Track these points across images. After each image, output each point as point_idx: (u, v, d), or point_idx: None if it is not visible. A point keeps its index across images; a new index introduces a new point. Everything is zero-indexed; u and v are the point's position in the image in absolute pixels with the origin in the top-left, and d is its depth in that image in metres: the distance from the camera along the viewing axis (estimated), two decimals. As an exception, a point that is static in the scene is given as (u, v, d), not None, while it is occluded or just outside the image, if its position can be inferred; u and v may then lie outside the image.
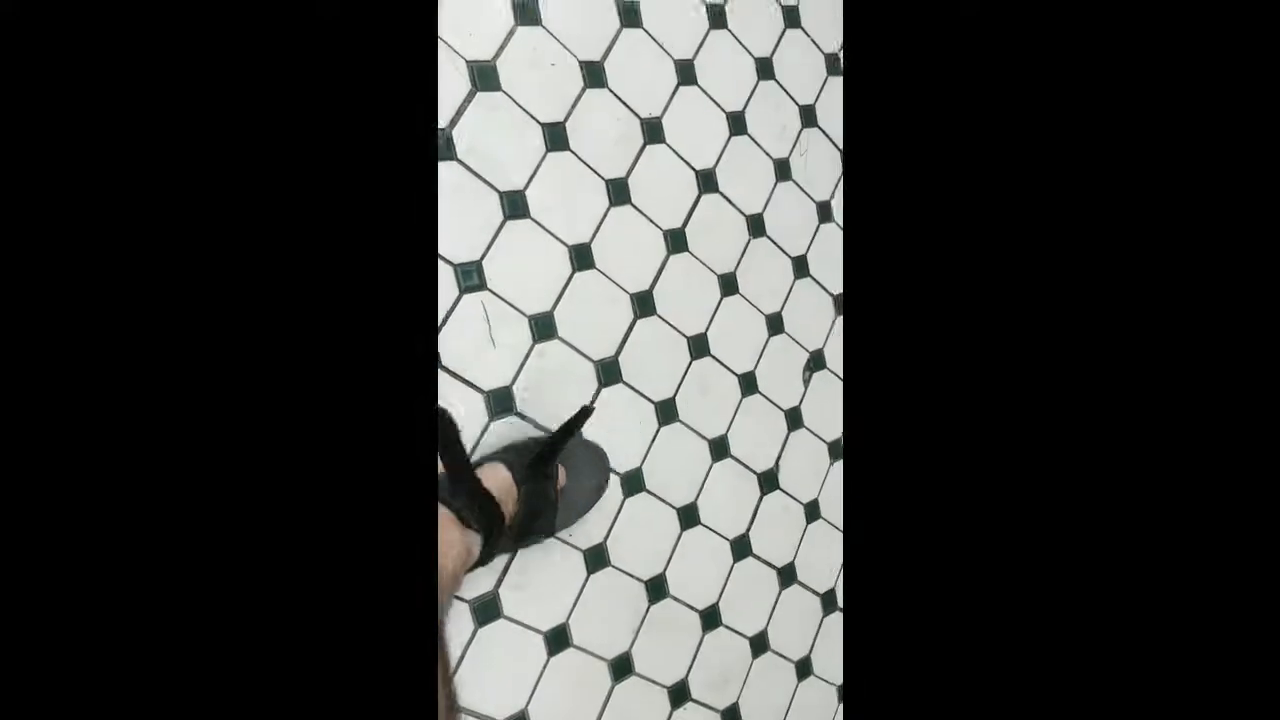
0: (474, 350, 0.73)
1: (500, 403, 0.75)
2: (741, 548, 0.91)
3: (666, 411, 0.86)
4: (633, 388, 0.83)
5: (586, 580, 0.79)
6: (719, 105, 0.91)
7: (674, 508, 0.86)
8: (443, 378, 0.71)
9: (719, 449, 0.90)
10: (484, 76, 0.74)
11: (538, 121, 0.78)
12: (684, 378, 0.87)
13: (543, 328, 0.78)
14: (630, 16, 0.83)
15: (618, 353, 0.82)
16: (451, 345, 0.72)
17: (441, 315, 0.71)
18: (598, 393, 0.81)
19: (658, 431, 0.85)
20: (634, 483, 0.83)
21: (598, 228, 0.81)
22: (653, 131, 0.85)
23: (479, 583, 0.73)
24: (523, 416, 0.76)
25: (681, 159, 0.87)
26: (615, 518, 0.82)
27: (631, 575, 0.83)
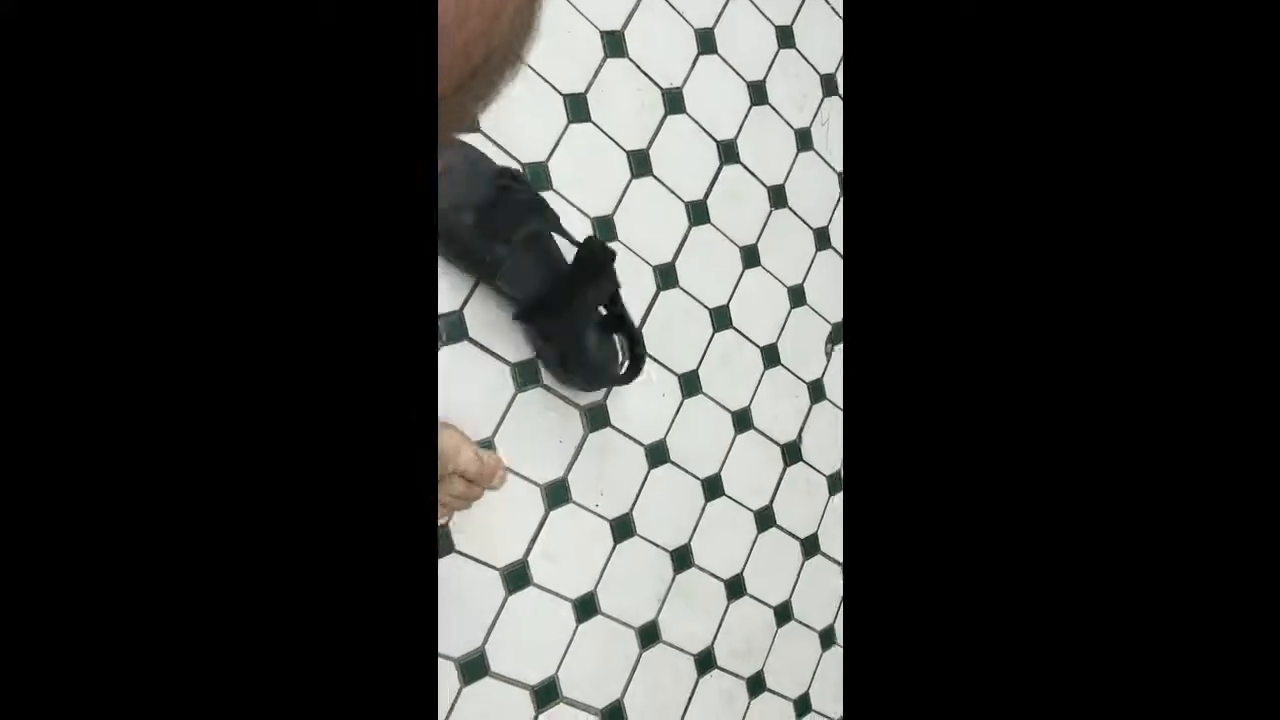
0: (491, 326, 0.74)
1: (527, 375, 0.75)
2: (765, 519, 0.92)
3: (690, 384, 0.86)
4: (656, 359, 0.83)
5: (613, 549, 0.80)
6: (740, 75, 0.90)
7: (698, 479, 0.87)
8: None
9: (742, 421, 0.90)
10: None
11: (559, 92, 0.77)
12: (706, 350, 0.87)
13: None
14: (650, -14, 0.83)
15: (640, 325, 0.82)
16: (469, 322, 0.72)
17: (462, 299, 0.72)
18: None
19: (681, 404, 0.85)
20: (659, 454, 0.83)
21: (619, 200, 0.81)
22: (673, 102, 0.85)
23: (509, 549, 0.74)
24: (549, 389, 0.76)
25: (703, 129, 0.87)
26: (641, 488, 0.82)
27: (657, 545, 0.83)
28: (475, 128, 0.71)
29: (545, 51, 0.76)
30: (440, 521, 0.69)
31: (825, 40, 0.97)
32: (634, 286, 0.82)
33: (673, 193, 0.85)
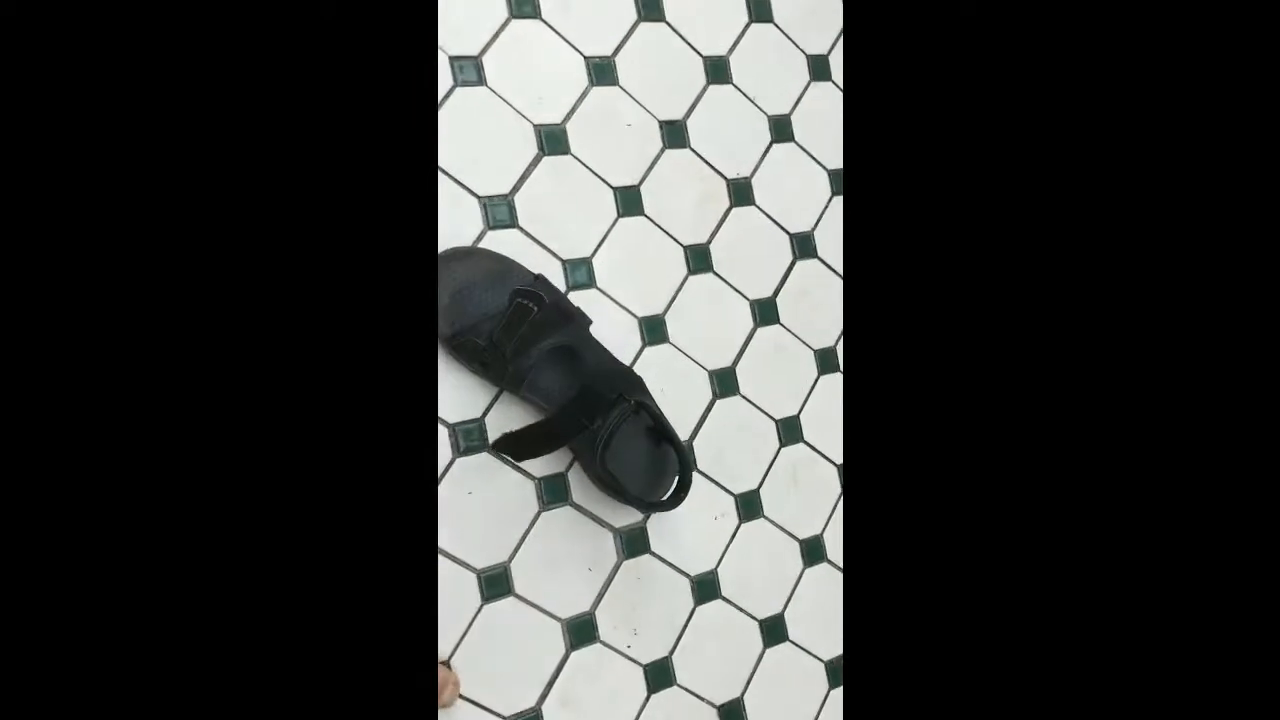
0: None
1: (554, 492, 0.67)
2: (839, 673, 0.77)
3: (749, 505, 0.74)
4: (708, 476, 0.73)
5: (646, 701, 0.68)
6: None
7: (756, 619, 0.73)
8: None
9: (813, 552, 0.77)
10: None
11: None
12: (771, 466, 0.76)
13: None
14: None
15: (691, 439, 0.72)
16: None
17: (483, 408, 0.65)
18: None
19: (738, 528, 0.73)
20: (707, 588, 0.72)
21: (671, 299, 0.73)
22: (739, 193, 0.77)
23: (520, 695, 0.64)
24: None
25: (773, 220, 0.78)
26: (684, 628, 0.70)
27: (702, 698, 0.70)
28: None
29: (593, 139, 0.71)
30: None
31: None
32: (687, 394, 0.73)
33: (735, 289, 0.76)
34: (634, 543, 0.69)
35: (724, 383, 0.74)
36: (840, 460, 0.79)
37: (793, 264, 0.79)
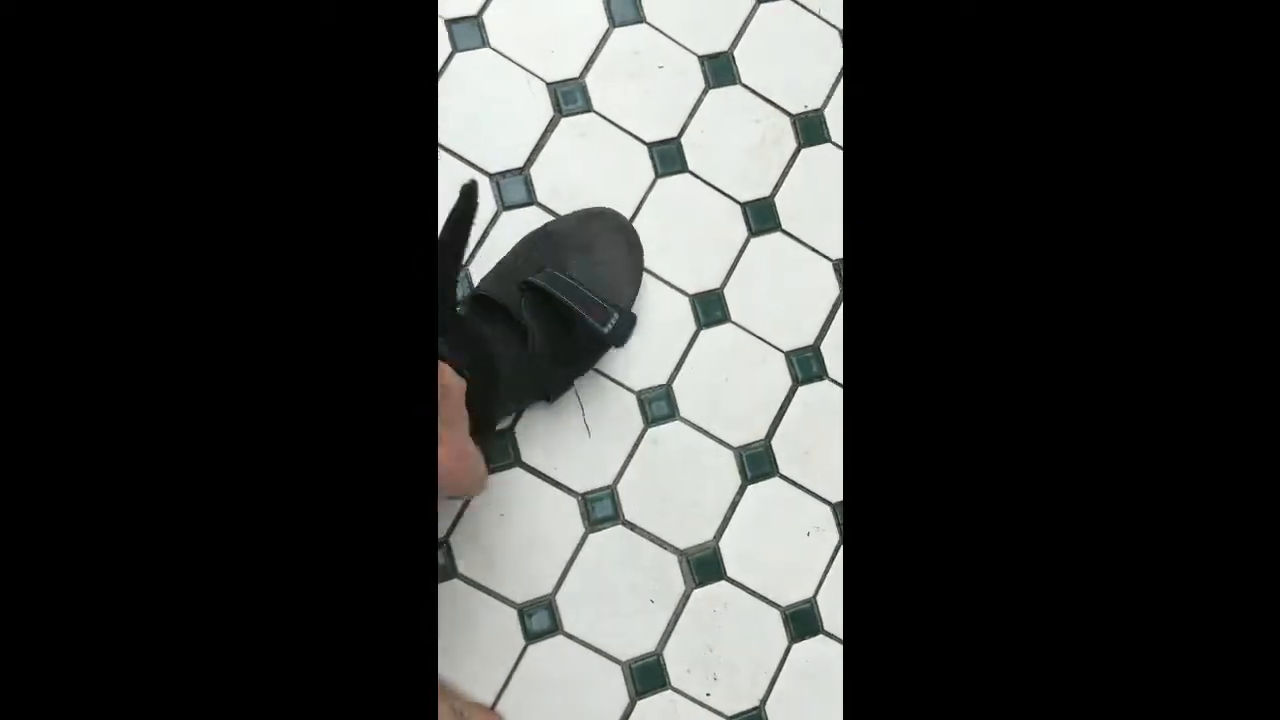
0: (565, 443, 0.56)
1: (598, 511, 0.56)
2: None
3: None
4: (795, 483, 0.59)
5: None
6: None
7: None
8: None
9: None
10: None
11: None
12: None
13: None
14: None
15: (778, 417, 0.59)
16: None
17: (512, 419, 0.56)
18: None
19: (838, 547, 0.59)
20: (805, 621, 0.58)
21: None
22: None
23: None
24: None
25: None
26: (781, 664, 0.57)
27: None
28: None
29: (618, 89, 0.60)
30: None
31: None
32: (759, 381, 0.59)
33: (812, 249, 0.62)
34: (705, 567, 0.57)
35: (805, 366, 0.60)
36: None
37: (887, 210, 0.63)
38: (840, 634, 0.58)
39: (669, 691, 0.56)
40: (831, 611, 0.58)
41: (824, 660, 0.58)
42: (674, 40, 0.61)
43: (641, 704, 0.55)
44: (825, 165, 0.62)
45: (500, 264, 0.54)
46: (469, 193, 0.40)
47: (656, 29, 0.61)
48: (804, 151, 0.62)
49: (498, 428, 0.55)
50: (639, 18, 0.60)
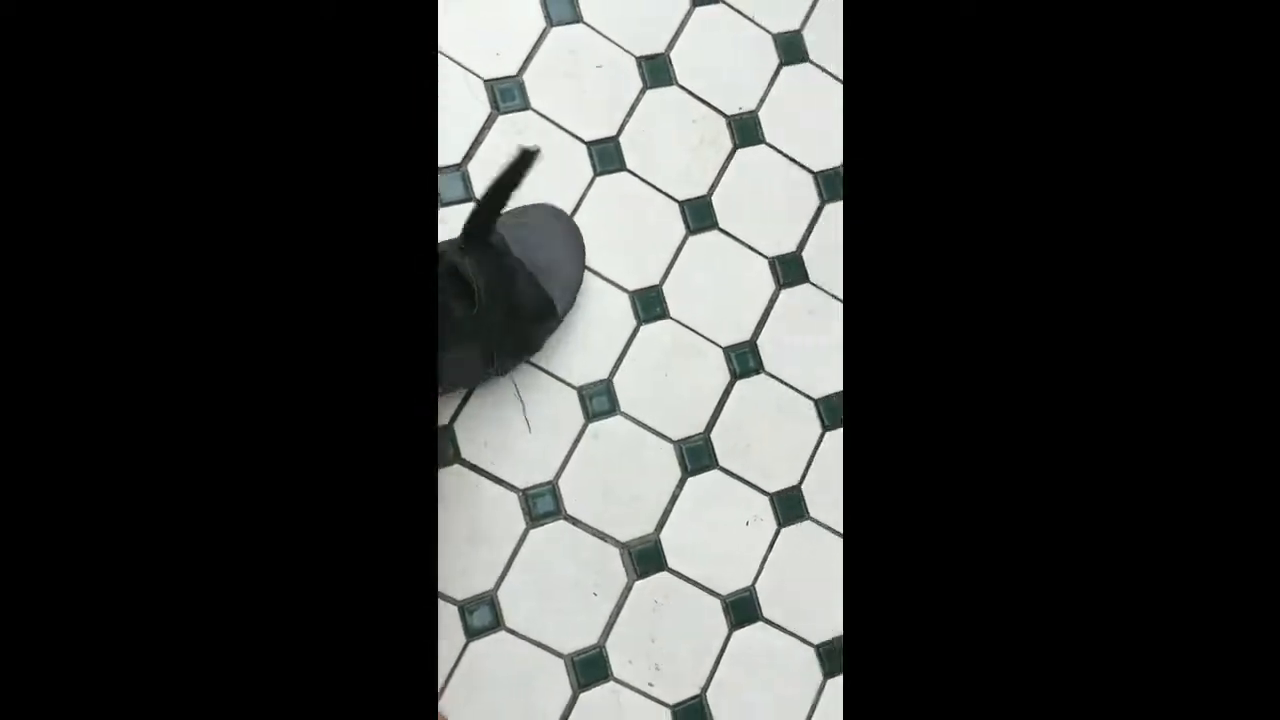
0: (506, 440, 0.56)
1: (536, 507, 0.57)
2: None
3: (788, 506, 0.61)
4: (736, 475, 0.60)
5: None
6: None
7: (811, 645, 0.60)
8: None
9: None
10: None
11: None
12: (810, 462, 0.62)
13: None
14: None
15: (716, 410, 0.60)
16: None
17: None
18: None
19: (778, 532, 0.61)
20: (744, 608, 0.59)
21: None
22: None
23: None
24: None
25: (790, 160, 0.65)
26: (719, 657, 0.58)
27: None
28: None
29: (555, 88, 0.60)
30: None
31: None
32: (697, 377, 0.61)
33: (749, 246, 0.63)
34: (646, 559, 0.58)
35: (742, 361, 0.62)
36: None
37: (820, 208, 0.65)
38: (779, 621, 0.60)
39: (611, 683, 0.56)
40: (770, 598, 0.60)
41: (764, 646, 0.59)
42: (611, 40, 0.62)
43: (584, 696, 0.56)
44: (761, 165, 0.64)
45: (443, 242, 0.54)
46: (528, 154, 0.45)
47: (594, 29, 0.61)
48: (739, 152, 0.63)
49: (440, 423, 0.55)
50: (576, 18, 0.61)
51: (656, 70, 0.62)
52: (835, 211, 0.65)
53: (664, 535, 0.59)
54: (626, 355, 0.59)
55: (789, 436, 0.62)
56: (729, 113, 0.63)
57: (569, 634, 0.56)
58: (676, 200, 0.62)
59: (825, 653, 0.61)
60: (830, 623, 0.61)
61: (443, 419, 0.55)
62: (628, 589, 0.57)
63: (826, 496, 0.62)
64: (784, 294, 0.63)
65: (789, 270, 0.64)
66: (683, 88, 0.63)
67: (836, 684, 0.61)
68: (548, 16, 0.60)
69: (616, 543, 0.58)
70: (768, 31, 0.65)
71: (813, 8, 0.67)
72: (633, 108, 0.61)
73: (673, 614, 0.58)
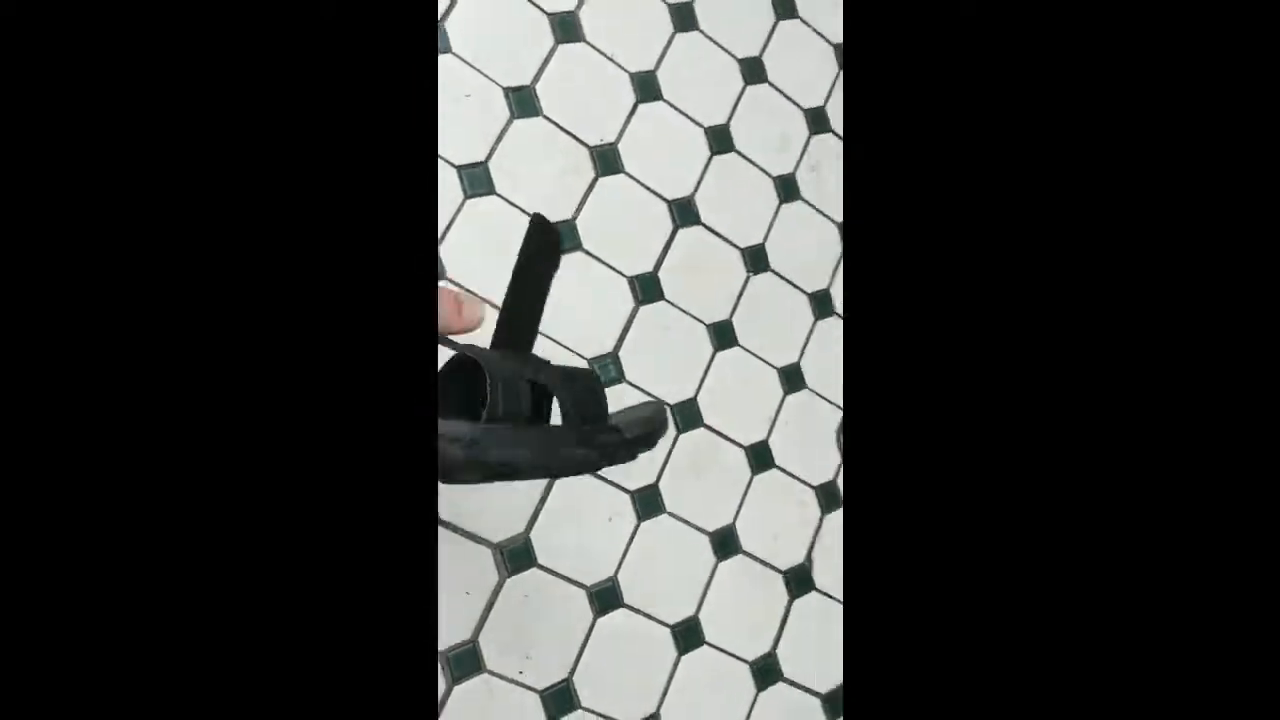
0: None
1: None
2: (766, 673, 0.71)
3: (647, 502, 0.68)
4: (602, 477, 0.66)
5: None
6: (694, 120, 0.75)
7: (667, 625, 0.67)
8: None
9: (724, 545, 0.70)
10: None
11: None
12: (669, 455, 0.69)
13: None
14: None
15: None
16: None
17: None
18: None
19: (637, 528, 0.67)
20: (608, 598, 0.65)
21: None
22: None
23: None
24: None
25: (647, 190, 0.72)
26: (583, 646, 0.64)
27: None
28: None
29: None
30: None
31: (807, 67, 0.81)
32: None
33: (611, 267, 0.69)
34: (517, 557, 0.62)
35: (605, 371, 0.68)
36: (746, 441, 0.73)
37: (674, 234, 0.72)
38: (640, 607, 0.66)
39: (484, 675, 0.60)
40: (630, 586, 0.66)
41: (628, 630, 0.65)
42: (480, 71, 0.65)
43: (458, 689, 0.59)
44: (621, 192, 0.70)
45: None
46: (545, 227, 0.35)
47: (463, 59, 0.65)
48: (601, 180, 0.69)
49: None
50: (445, 48, 0.64)
51: (523, 101, 0.67)
52: (687, 235, 0.73)
53: (534, 536, 0.63)
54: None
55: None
56: (591, 144, 0.69)
57: (444, 632, 0.59)
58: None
59: (680, 632, 0.68)
60: (685, 605, 0.68)
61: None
62: (499, 586, 0.62)
63: (679, 491, 0.69)
64: (642, 309, 0.70)
65: (647, 288, 0.70)
66: (548, 119, 0.68)
67: (693, 655, 0.68)
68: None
69: (489, 544, 0.62)
70: (624, 70, 0.71)
71: (666, 48, 0.74)
72: (500, 137, 0.65)
73: (541, 606, 0.63)
